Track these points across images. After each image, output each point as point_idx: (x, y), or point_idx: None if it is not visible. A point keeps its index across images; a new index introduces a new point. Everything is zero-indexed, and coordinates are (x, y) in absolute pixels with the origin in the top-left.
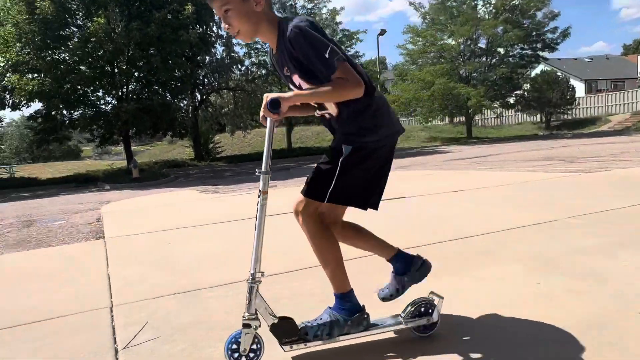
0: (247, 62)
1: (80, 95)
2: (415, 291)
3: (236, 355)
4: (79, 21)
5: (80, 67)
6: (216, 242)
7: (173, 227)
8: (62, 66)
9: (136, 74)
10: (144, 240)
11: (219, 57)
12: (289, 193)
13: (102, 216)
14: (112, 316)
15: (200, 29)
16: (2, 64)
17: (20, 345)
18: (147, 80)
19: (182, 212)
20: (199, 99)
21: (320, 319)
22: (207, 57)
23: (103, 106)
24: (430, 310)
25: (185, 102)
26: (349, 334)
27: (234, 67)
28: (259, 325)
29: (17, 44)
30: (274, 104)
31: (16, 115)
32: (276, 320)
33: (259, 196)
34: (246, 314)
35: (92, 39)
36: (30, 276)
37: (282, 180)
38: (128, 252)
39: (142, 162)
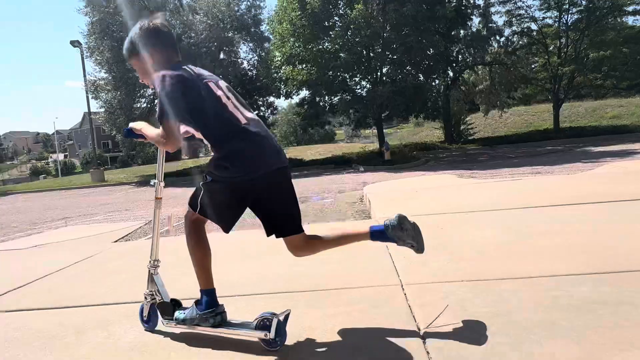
0: (506, 32)
1: (340, 81)
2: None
3: (141, 318)
4: (340, 10)
5: (341, 54)
6: (494, 230)
7: (440, 211)
8: (326, 55)
9: (390, 56)
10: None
11: (474, 29)
12: (549, 182)
13: (365, 196)
14: (405, 294)
15: (456, 1)
16: (279, 58)
17: (334, 309)
18: (401, 62)
19: (445, 196)
20: (451, 77)
21: (198, 311)
22: (462, 31)
23: (359, 91)
24: (264, 326)
25: (437, 82)
26: (200, 326)
27: (492, 39)
28: (152, 299)
29: (291, 39)
30: (126, 133)
31: (284, 103)
32: (160, 301)
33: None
34: (146, 290)
35: (352, 26)
36: None
37: (548, 166)
38: None
39: (391, 144)
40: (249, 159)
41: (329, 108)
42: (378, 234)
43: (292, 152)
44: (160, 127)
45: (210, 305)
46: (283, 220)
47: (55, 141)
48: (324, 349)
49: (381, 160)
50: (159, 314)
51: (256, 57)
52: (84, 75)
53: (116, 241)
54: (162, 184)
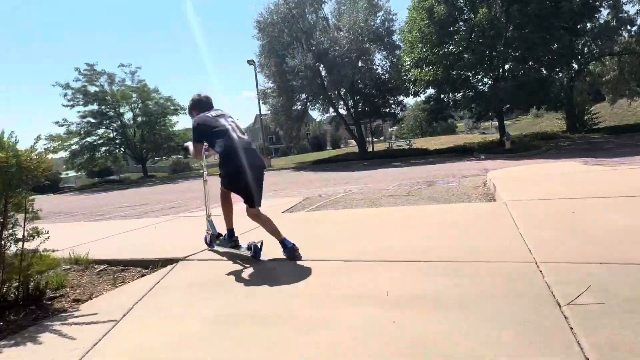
0: (639, 21)
1: (464, 79)
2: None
3: (206, 243)
4: (464, 16)
5: (464, 55)
6: (632, 217)
7: (569, 196)
8: (450, 57)
9: (512, 53)
10: (543, 206)
11: (602, 21)
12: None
13: (489, 181)
14: (541, 271)
15: None
16: (408, 62)
17: (469, 278)
18: (523, 58)
19: (571, 182)
20: (575, 69)
21: (225, 239)
22: (589, 24)
23: (481, 87)
24: (250, 248)
25: (561, 75)
26: (225, 247)
27: (622, 29)
28: (209, 233)
29: (419, 45)
30: (184, 150)
31: (411, 101)
32: (211, 233)
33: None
34: (206, 227)
35: (476, 29)
36: (451, 224)
37: None
38: (531, 215)
39: (511, 134)
40: (234, 161)
41: (452, 104)
42: (284, 244)
43: (418, 142)
44: (193, 145)
45: (230, 237)
46: (252, 198)
47: None
48: (459, 314)
49: (502, 149)
50: (211, 241)
51: (388, 63)
52: (257, 86)
53: (283, 212)
54: (207, 172)
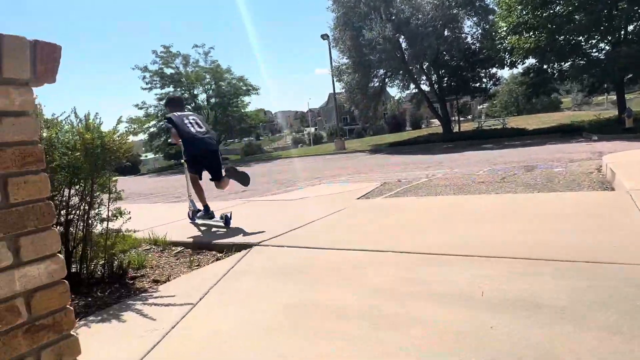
0: None
1: (573, 46)
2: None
3: (189, 218)
4: None
5: (575, 16)
6: None
7: None
8: (557, 19)
9: None
10: None
11: None
12: None
13: (605, 166)
14: None
15: None
16: (504, 28)
17: (584, 282)
18: None
19: None
20: None
21: (202, 213)
22: None
23: (595, 54)
24: (222, 218)
25: None
26: (203, 219)
27: None
28: (191, 209)
29: (518, 7)
30: (168, 139)
31: (506, 73)
32: (192, 209)
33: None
34: (189, 205)
35: None
36: (558, 216)
37: None
38: None
39: (634, 110)
40: (194, 147)
41: (558, 75)
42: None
43: (513, 121)
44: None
45: (206, 212)
46: (214, 173)
47: (309, 117)
48: (570, 323)
49: (620, 128)
50: (193, 215)
51: (480, 31)
52: (331, 63)
53: (359, 198)
54: (186, 158)
